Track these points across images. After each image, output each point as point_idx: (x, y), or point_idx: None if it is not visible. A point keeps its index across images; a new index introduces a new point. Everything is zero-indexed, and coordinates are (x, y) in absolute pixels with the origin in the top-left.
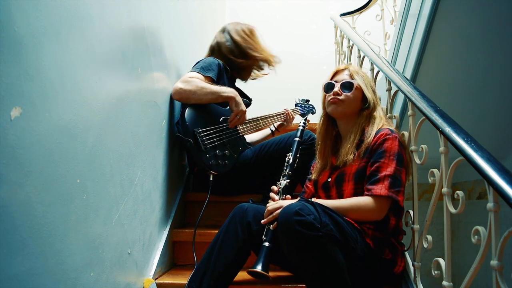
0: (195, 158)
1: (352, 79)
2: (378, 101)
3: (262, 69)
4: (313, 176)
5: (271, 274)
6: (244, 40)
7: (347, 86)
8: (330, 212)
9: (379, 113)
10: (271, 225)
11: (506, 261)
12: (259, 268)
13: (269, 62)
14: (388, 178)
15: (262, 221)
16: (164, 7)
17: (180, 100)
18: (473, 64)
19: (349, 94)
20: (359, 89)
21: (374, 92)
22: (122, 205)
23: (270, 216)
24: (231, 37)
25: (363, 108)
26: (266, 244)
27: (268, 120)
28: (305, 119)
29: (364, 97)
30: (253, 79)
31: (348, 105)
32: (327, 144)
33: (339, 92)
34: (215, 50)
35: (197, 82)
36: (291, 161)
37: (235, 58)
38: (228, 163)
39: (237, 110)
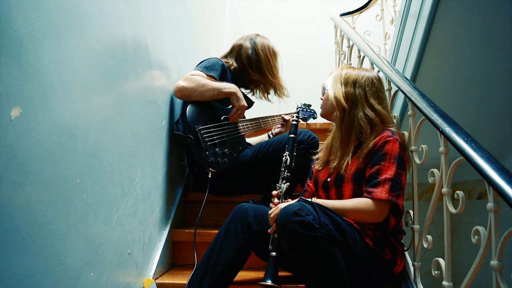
0: (194, 155)
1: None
2: (361, 97)
3: (268, 93)
4: (316, 166)
5: None
6: (265, 57)
7: (322, 90)
8: (329, 212)
9: (368, 112)
10: (275, 234)
11: (506, 261)
12: (269, 282)
13: (277, 90)
14: (388, 181)
15: (269, 230)
16: (164, 7)
17: (182, 97)
18: (473, 64)
19: (322, 97)
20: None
21: (352, 87)
22: (122, 205)
23: (275, 224)
24: (255, 48)
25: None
26: (273, 254)
27: (268, 121)
28: (297, 112)
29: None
30: (253, 95)
31: (324, 108)
32: (332, 143)
33: (322, 97)
34: (235, 51)
35: (199, 79)
36: (288, 162)
37: (250, 69)
38: (227, 161)
39: (238, 105)
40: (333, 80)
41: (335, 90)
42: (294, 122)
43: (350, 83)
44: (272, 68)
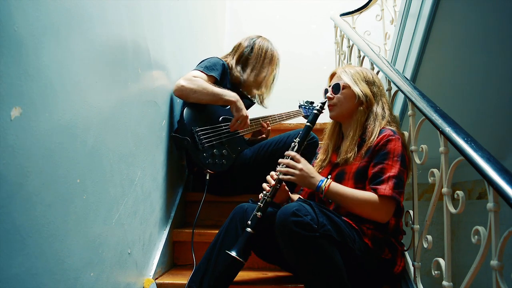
0: (192, 157)
1: (340, 79)
2: (377, 96)
3: (249, 98)
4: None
5: (271, 274)
6: (256, 56)
7: (335, 88)
8: (327, 212)
9: (379, 110)
10: (258, 213)
11: (506, 261)
12: (234, 253)
13: (251, 94)
14: (392, 178)
15: (267, 184)
16: (164, 7)
17: (180, 97)
18: (473, 64)
19: (339, 95)
20: (348, 86)
21: (371, 85)
22: (122, 205)
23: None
24: (252, 47)
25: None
26: (249, 230)
27: (269, 120)
28: (324, 103)
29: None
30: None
31: (341, 106)
32: (331, 142)
33: (331, 96)
34: (234, 49)
35: (200, 81)
36: (296, 149)
37: (235, 66)
38: (225, 162)
39: (238, 115)
40: (354, 78)
41: (362, 88)
42: (315, 111)
43: (370, 81)
44: (261, 70)
